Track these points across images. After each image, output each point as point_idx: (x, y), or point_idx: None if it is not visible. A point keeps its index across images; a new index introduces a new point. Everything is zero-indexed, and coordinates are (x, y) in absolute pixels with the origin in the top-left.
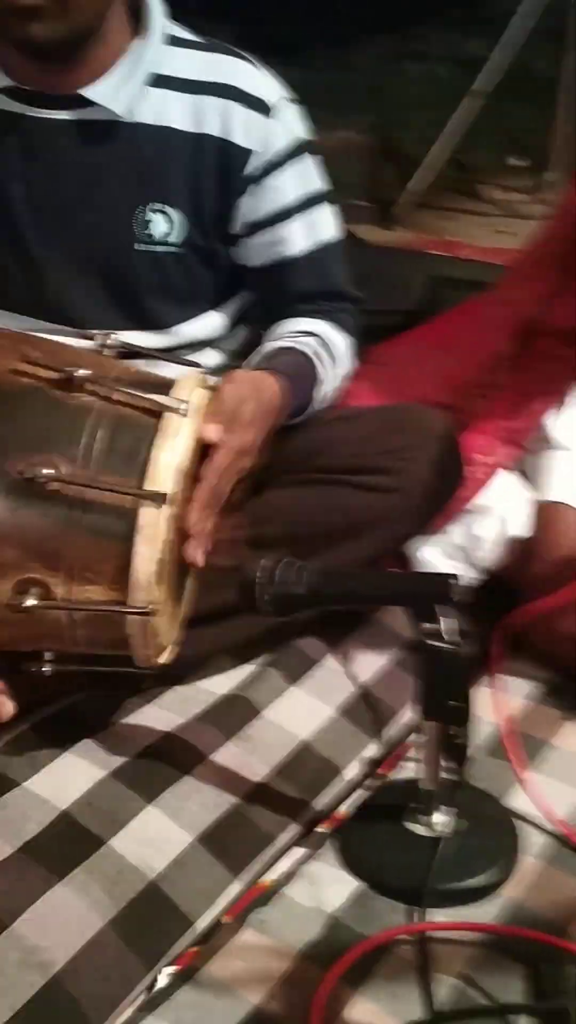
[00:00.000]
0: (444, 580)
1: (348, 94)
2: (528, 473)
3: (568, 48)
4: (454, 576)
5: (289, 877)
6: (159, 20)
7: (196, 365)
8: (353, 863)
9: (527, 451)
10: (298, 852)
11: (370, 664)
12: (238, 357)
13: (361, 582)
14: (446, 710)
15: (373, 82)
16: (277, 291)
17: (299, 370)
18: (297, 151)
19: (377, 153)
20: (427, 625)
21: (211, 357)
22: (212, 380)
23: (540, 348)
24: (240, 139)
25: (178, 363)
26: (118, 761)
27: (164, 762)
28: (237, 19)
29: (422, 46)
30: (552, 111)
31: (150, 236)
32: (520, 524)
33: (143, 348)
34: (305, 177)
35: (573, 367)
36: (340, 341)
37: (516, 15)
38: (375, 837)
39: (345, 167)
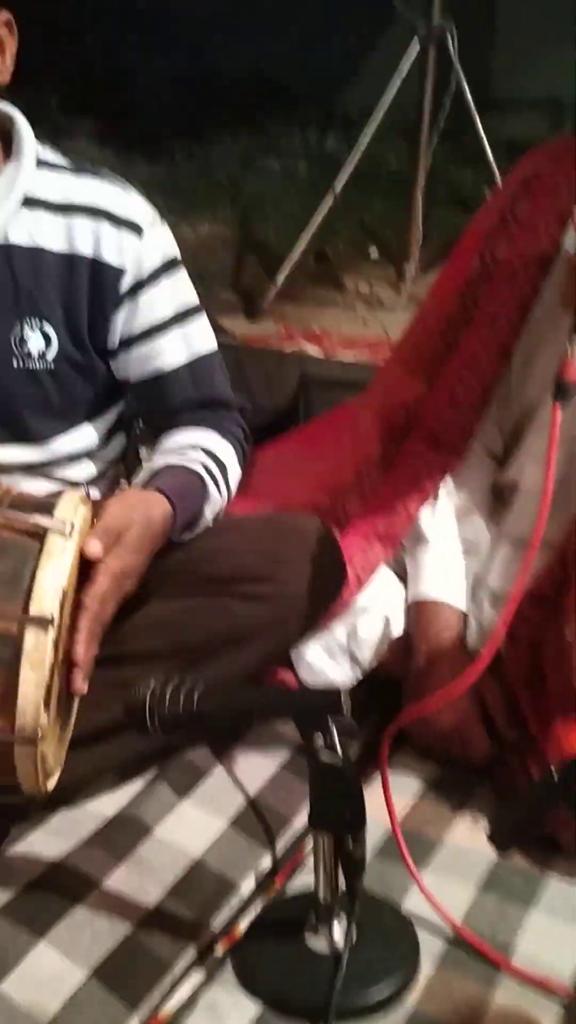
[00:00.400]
0: (331, 694)
1: (211, 189)
2: (405, 570)
3: (420, 146)
4: (340, 689)
5: (189, 1006)
6: (30, 145)
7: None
8: (252, 984)
9: (403, 549)
10: (196, 976)
11: (260, 771)
12: (114, 465)
13: (249, 698)
14: (339, 821)
15: (236, 177)
16: (158, 403)
17: (188, 488)
18: (168, 268)
19: (242, 246)
20: (316, 739)
21: (87, 468)
22: (95, 495)
23: (409, 450)
24: (112, 258)
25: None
26: (5, 896)
27: (54, 893)
28: (99, 115)
29: (282, 143)
30: (409, 206)
31: (27, 353)
32: (400, 621)
33: (22, 463)
34: (177, 292)
35: (440, 467)
36: (227, 450)
37: (372, 113)
38: (273, 955)
39: (210, 260)
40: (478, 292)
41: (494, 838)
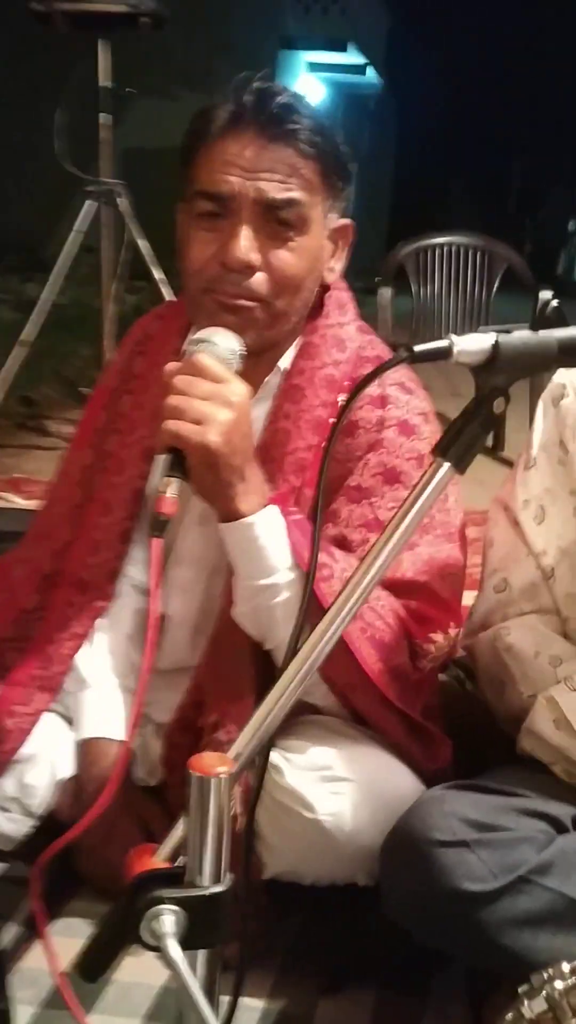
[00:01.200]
0: None
1: None
2: (69, 713)
3: (105, 287)
4: None
5: None
6: None
7: None
8: None
9: (64, 693)
10: None
11: None
12: None
13: None
14: None
15: None
16: None
17: None
18: None
19: None
20: None
21: None
22: None
23: (59, 596)
24: None
25: None
26: None
27: None
28: None
29: None
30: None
31: None
32: (68, 764)
33: None
34: None
35: (90, 609)
36: None
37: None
38: None
39: None
40: (106, 443)
41: (78, 968)
